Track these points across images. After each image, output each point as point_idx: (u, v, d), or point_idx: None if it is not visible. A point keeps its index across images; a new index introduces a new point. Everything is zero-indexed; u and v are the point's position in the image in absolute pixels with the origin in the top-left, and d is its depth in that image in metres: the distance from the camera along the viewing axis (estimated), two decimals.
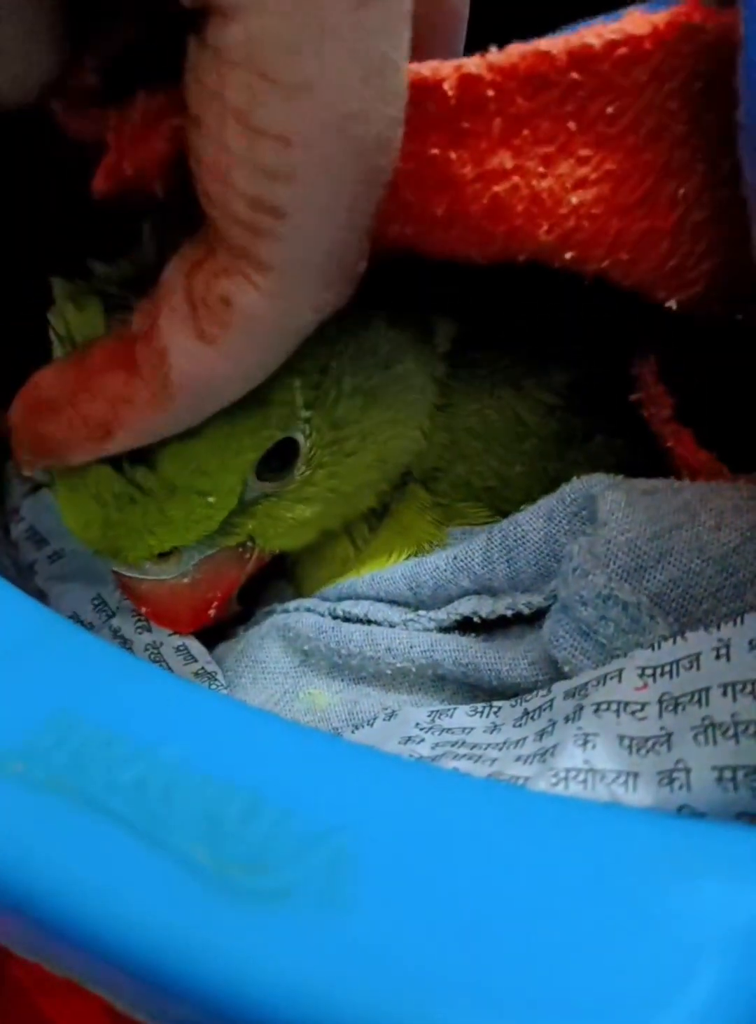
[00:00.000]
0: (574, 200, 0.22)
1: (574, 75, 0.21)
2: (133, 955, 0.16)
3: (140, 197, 0.23)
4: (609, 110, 0.21)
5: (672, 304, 0.23)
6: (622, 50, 0.21)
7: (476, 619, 0.25)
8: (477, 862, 0.16)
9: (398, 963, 0.15)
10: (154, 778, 0.17)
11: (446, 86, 0.21)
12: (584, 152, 0.22)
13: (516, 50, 0.21)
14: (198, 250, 0.21)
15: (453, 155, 0.21)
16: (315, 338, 0.25)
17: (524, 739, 0.21)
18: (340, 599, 0.28)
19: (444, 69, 0.21)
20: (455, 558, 0.26)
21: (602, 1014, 0.14)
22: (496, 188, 0.22)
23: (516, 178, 0.22)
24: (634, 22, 0.21)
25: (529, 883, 0.16)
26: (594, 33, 0.21)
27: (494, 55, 0.21)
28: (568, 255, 0.23)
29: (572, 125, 0.21)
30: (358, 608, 0.27)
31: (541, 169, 0.22)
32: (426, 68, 0.21)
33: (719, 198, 0.22)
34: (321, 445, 0.26)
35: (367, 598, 0.28)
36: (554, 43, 0.21)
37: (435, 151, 0.21)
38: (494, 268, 0.24)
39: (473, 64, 0.21)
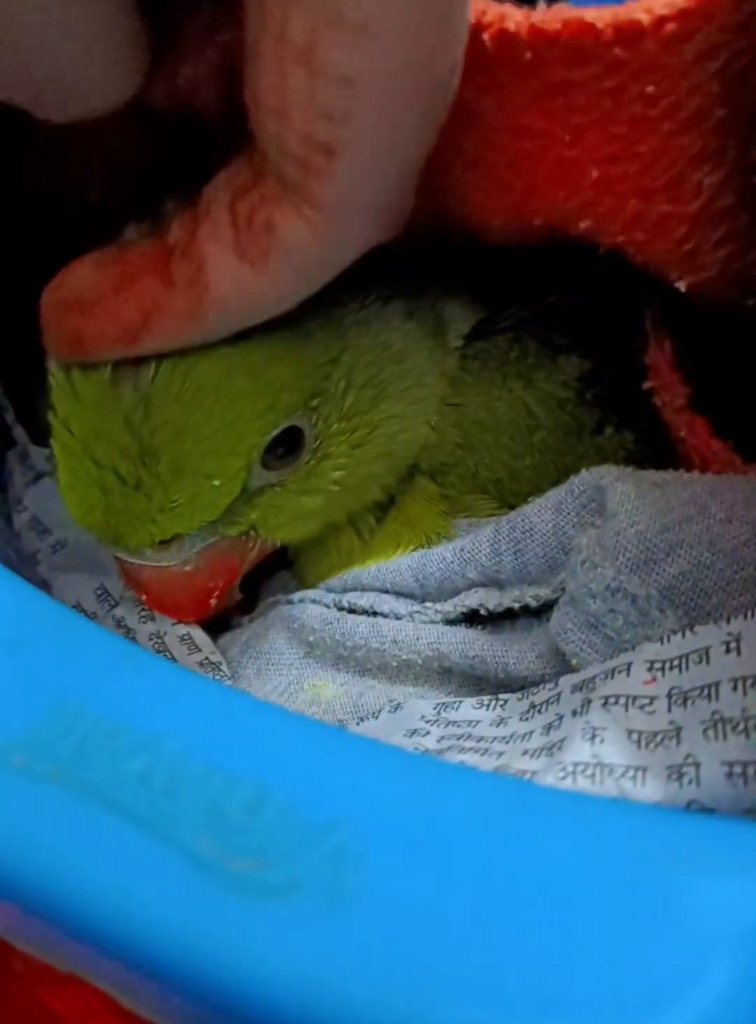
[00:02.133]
0: (597, 174, 0.21)
1: (618, 52, 0.20)
2: (136, 948, 0.16)
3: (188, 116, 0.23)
4: (649, 90, 0.21)
5: (682, 284, 0.23)
6: (671, 27, 0.20)
7: (483, 612, 0.25)
8: (483, 856, 0.16)
9: (402, 957, 0.15)
10: (159, 769, 0.17)
11: (485, 36, 0.20)
12: (617, 130, 0.21)
13: (560, 14, 0.20)
14: (245, 173, 0.21)
15: (485, 101, 0.21)
16: (328, 327, 0.25)
17: (531, 732, 0.21)
18: (345, 591, 0.28)
19: (488, 15, 0.20)
20: (462, 550, 0.26)
21: (611, 1010, 0.14)
22: (522, 144, 0.21)
23: (543, 140, 0.21)
24: None
25: (536, 878, 0.16)
26: (643, 7, 0.20)
27: (538, 15, 0.20)
28: (583, 224, 0.22)
29: (608, 103, 0.21)
30: (363, 600, 0.27)
31: (569, 138, 0.21)
32: (474, 9, 0.20)
33: (743, 186, 0.22)
34: (328, 435, 0.26)
35: (373, 590, 0.28)
36: (601, 13, 0.20)
37: (468, 94, 0.21)
38: (507, 252, 0.23)
39: (514, 21, 0.20)
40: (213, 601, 0.27)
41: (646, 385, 0.26)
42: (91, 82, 0.20)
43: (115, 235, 0.25)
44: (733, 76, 0.21)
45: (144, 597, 0.27)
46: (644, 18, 0.20)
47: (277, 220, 0.20)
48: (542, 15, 0.20)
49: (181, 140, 0.27)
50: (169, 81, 0.23)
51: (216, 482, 0.24)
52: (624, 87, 0.21)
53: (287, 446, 0.25)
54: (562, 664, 0.23)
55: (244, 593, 0.29)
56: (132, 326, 0.22)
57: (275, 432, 0.25)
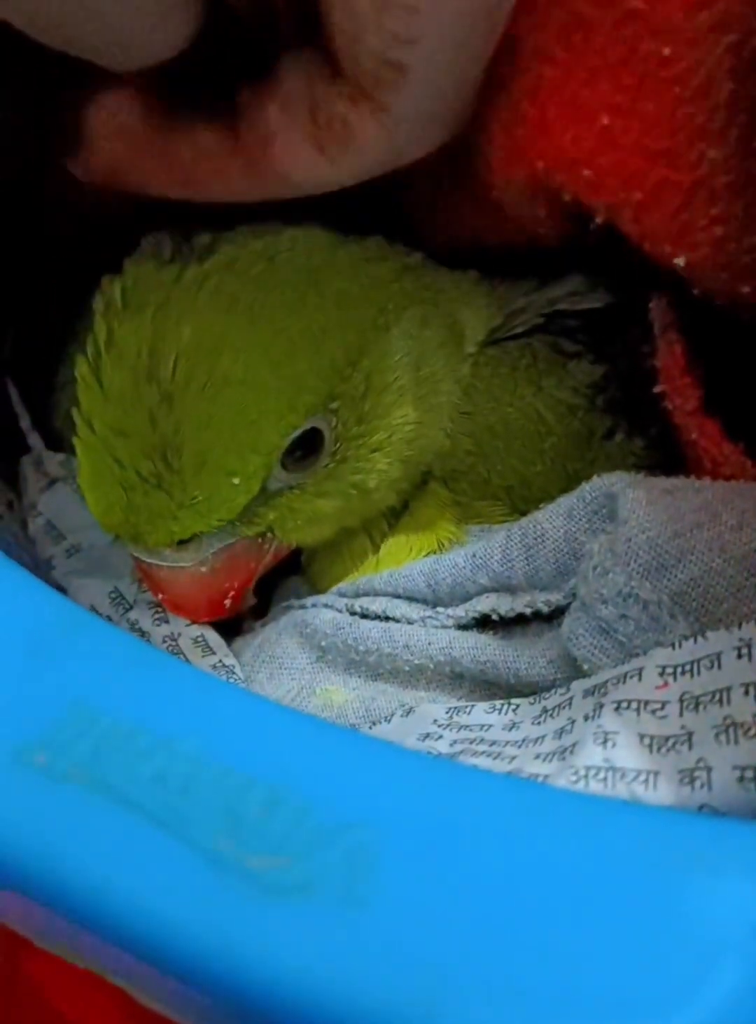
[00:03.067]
0: (603, 122, 0.22)
1: (637, 3, 0.21)
2: (153, 945, 0.16)
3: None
4: (665, 51, 0.21)
5: (680, 260, 0.24)
6: None
7: (495, 617, 0.25)
8: (497, 858, 0.16)
9: (416, 956, 0.15)
10: (175, 770, 0.17)
11: None
12: (627, 81, 0.22)
13: None
14: (325, 68, 0.22)
15: (518, 23, 0.22)
16: (348, 332, 0.26)
17: (543, 737, 0.21)
18: (357, 596, 0.28)
19: None
20: (474, 556, 0.26)
21: (622, 1010, 0.14)
22: (544, 70, 0.23)
23: (562, 72, 0.22)
24: None
25: (549, 879, 0.16)
26: None
27: None
28: (586, 172, 0.23)
29: (623, 50, 0.22)
30: (375, 605, 0.27)
31: (584, 76, 0.22)
32: None
33: (742, 169, 0.22)
34: (346, 438, 0.26)
35: (385, 595, 0.28)
36: None
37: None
38: (520, 260, 0.24)
39: None
40: (228, 603, 0.28)
41: (657, 389, 0.26)
42: (151, 32, 0.21)
43: (131, 239, 0.26)
44: (747, 55, 0.21)
45: (161, 597, 0.27)
46: None
47: (353, 120, 0.22)
48: None
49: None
50: None
51: (236, 480, 0.24)
52: (639, 38, 0.22)
53: (306, 448, 0.26)
54: (573, 669, 0.23)
55: (257, 597, 0.30)
56: (186, 169, 0.23)
57: (295, 433, 0.25)
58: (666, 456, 0.26)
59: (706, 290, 0.25)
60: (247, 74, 0.23)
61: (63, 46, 0.21)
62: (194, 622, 0.28)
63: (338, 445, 0.26)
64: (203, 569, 0.26)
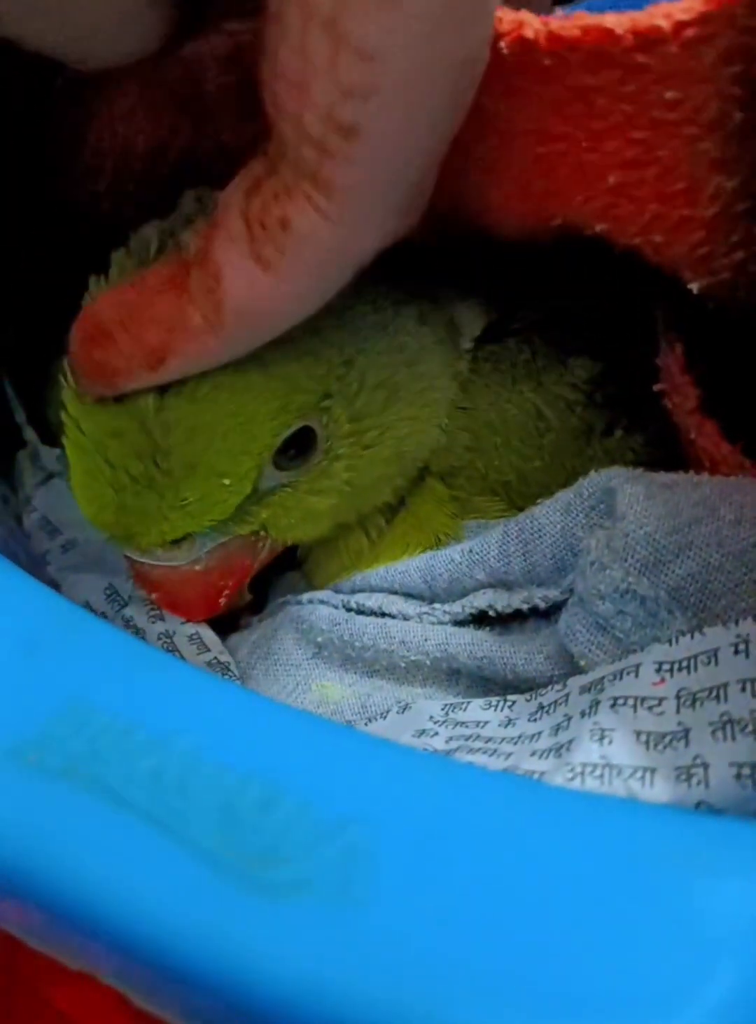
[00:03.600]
0: (614, 179, 0.22)
1: (639, 57, 0.20)
2: (148, 945, 0.16)
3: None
4: (670, 95, 0.20)
5: (695, 286, 0.23)
6: (691, 31, 0.20)
7: (491, 613, 0.25)
8: (494, 856, 0.16)
9: (413, 956, 0.15)
10: (170, 768, 0.17)
11: (503, 44, 0.20)
12: (637, 135, 0.21)
13: (580, 22, 0.20)
14: (258, 169, 0.20)
15: (503, 106, 0.21)
16: (342, 329, 0.25)
17: (539, 733, 0.21)
18: (354, 592, 0.28)
19: (505, 22, 0.20)
20: (471, 551, 0.26)
21: (620, 1008, 0.14)
22: (542, 148, 0.21)
23: (563, 145, 0.21)
24: None
25: (547, 877, 0.16)
26: (663, 13, 0.20)
27: (557, 21, 0.20)
28: (600, 227, 0.22)
29: (629, 108, 0.21)
30: (372, 601, 0.27)
31: (588, 142, 0.21)
32: None
33: None
34: (339, 436, 0.26)
35: (381, 591, 0.28)
36: (620, 19, 0.20)
37: (486, 100, 0.21)
38: (521, 253, 0.23)
39: (533, 28, 0.20)
40: (223, 600, 0.28)
41: (657, 387, 0.26)
42: (117, 32, 0.21)
43: (128, 233, 0.25)
44: (753, 80, 0.21)
45: (155, 596, 0.27)
46: (664, 23, 0.20)
47: (290, 213, 0.20)
48: (560, 22, 0.20)
49: (191, 134, 0.27)
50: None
51: (227, 481, 0.24)
52: (645, 91, 0.21)
53: (299, 447, 0.25)
54: (570, 665, 0.23)
55: (253, 594, 0.30)
56: (156, 347, 0.22)
57: (287, 432, 0.25)
58: (666, 453, 0.26)
59: (718, 305, 0.24)
60: None
61: (30, 42, 0.21)
62: (189, 621, 0.28)
63: (331, 443, 0.26)
64: (197, 567, 0.26)
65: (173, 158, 0.28)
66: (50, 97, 0.28)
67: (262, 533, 0.27)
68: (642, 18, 0.20)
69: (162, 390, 0.23)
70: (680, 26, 0.20)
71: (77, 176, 0.29)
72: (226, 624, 0.30)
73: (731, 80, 0.21)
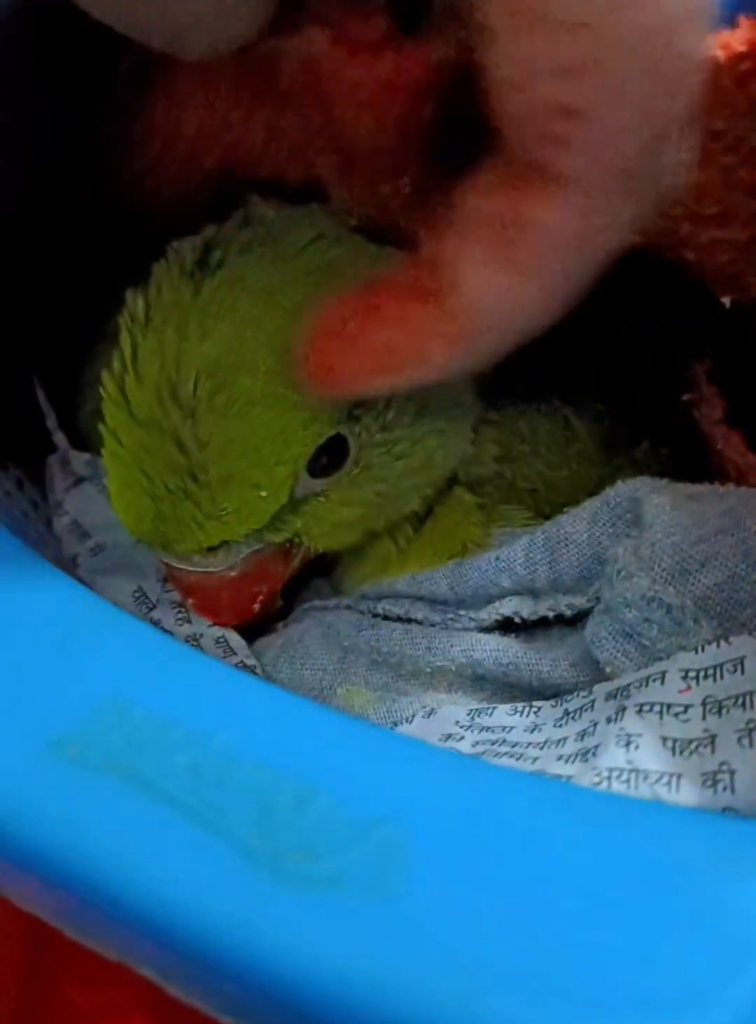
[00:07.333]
0: None
1: None
2: (185, 935, 0.16)
3: None
4: (717, 126, 0.21)
5: (726, 301, 0.24)
6: (747, 64, 0.20)
7: (517, 620, 0.26)
8: (526, 855, 0.16)
9: (445, 952, 0.15)
10: (208, 764, 0.18)
11: None
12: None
13: None
14: (491, 173, 0.20)
15: None
16: None
17: (565, 739, 0.22)
18: (380, 598, 0.28)
19: None
20: (497, 559, 0.26)
21: (650, 1008, 0.15)
22: None
23: None
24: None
25: (577, 877, 0.16)
26: (720, 43, 0.20)
27: None
28: (635, 239, 0.23)
29: None
30: (398, 607, 0.28)
31: None
32: None
33: None
34: (370, 446, 0.26)
35: (407, 597, 0.28)
36: None
37: None
38: None
39: None
40: (256, 606, 0.28)
41: (684, 398, 0.26)
42: (217, 23, 0.21)
43: (156, 233, 0.26)
44: None
45: (189, 601, 0.28)
46: (720, 55, 0.20)
47: (524, 209, 0.19)
48: None
49: (242, 129, 0.27)
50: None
51: (263, 492, 0.24)
52: (692, 121, 0.20)
53: (332, 456, 0.26)
54: (596, 672, 0.23)
55: (283, 600, 0.30)
56: (396, 354, 0.22)
57: (321, 440, 0.25)
58: (692, 466, 0.27)
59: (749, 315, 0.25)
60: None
61: (135, 35, 0.21)
62: (223, 626, 0.28)
63: (361, 452, 0.26)
64: (232, 574, 0.27)
65: (218, 151, 0.28)
66: (112, 80, 0.28)
67: (296, 540, 0.27)
68: None
69: (194, 409, 0.24)
70: (737, 58, 0.20)
71: (125, 150, 0.29)
72: (252, 628, 0.30)
73: None
